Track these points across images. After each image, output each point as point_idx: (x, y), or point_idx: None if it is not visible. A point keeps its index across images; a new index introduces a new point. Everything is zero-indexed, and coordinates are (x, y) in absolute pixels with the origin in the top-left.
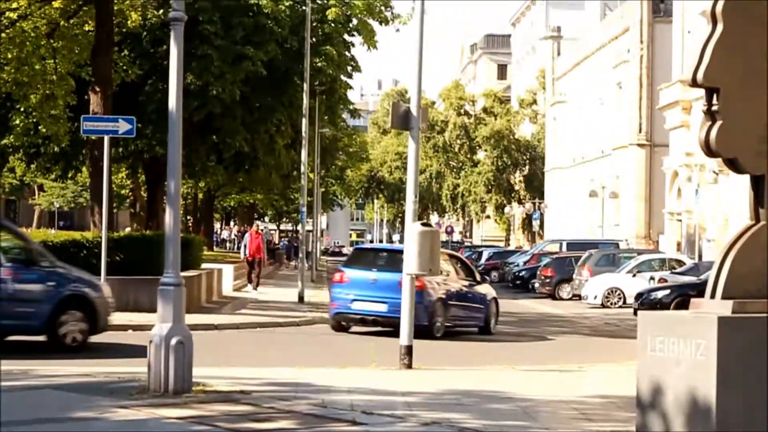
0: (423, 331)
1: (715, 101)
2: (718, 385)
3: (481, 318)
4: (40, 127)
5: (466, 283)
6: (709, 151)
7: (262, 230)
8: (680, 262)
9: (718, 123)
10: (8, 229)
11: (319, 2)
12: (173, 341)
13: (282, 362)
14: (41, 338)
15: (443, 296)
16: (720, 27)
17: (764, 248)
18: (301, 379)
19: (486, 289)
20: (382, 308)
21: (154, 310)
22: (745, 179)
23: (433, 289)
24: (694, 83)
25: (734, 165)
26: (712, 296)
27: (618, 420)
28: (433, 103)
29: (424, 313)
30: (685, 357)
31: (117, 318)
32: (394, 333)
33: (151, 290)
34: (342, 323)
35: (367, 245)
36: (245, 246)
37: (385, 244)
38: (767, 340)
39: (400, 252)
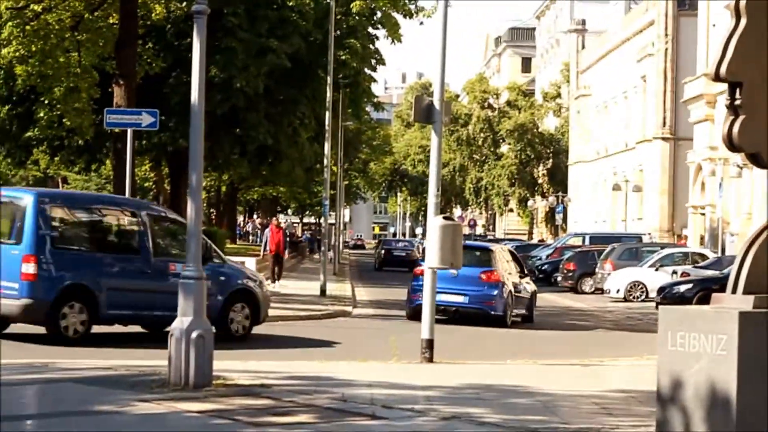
0: (498, 320)
1: (738, 95)
2: (739, 381)
3: (526, 307)
4: (64, 120)
5: (517, 277)
6: (732, 145)
7: (283, 224)
8: (703, 256)
9: (741, 117)
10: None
11: None
12: (194, 335)
13: (303, 356)
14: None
15: (512, 289)
16: (744, 21)
17: None
18: (321, 373)
19: (529, 282)
20: (461, 299)
21: None
22: None
23: (506, 282)
24: (716, 77)
25: (756, 160)
26: (734, 291)
27: (639, 415)
28: (457, 96)
29: (502, 304)
30: (706, 352)
31: None
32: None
33: None
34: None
35: None
36: (266, 242)
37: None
38: None
39: (479, 248)
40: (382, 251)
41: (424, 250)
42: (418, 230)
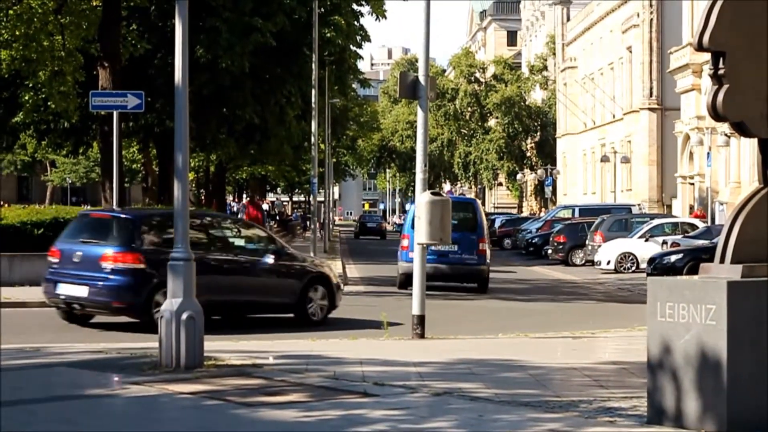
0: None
1: (721, 65)
2: (729, 349)
3: None
4: (49, 104)
5: None
6: (716, 115)
7: (266, 202)
8: (693, 226)
9: (725, 87)
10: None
11: None
12: (184, 316)
13: (294, 335)
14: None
15: None
16: None
17: None
18: (313, 352)
19: None
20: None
21: None
22: (756, 142)
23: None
24: (700, 47)
25: (741, 129)
26: (722, 261)
27: (631, 386)
28: (444, 71)
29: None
30: (696, 322)
31: None
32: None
33: None
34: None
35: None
36: None
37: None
38: None
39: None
40: (359, 224)
41: (396, 223)
42: (408, 206)
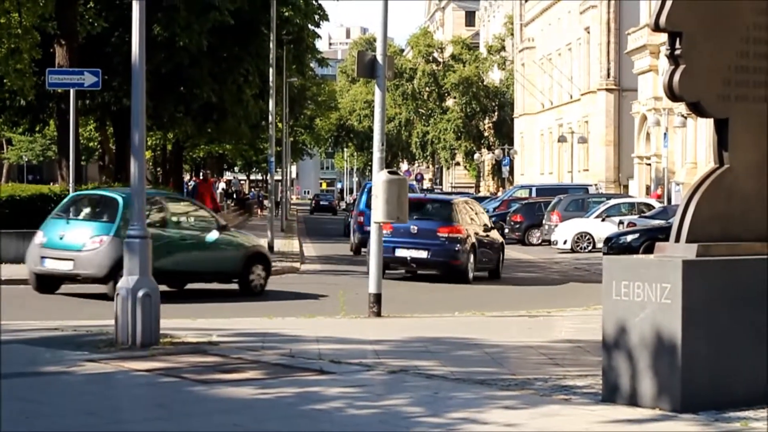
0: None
1: (678, 45)
2: (684, 328)
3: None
4: (5, 81)
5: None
6: (673, 95)
7: (216, 178)
8: (649, 206)
9: (681, 67)
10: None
11: None
12: (140, 294)
13: (250, 312)
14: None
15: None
16: None
17: (728, 191)
18: (269, 329)
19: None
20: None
21: None
22: (712, 122)
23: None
24: (656, 27)
25: (698, 109)
26: (677, 240)
27: (587, 365)
28: (402, 50)
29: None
30: (651, 301)
31: None
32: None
33: None
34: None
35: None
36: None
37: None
38: (731, 282)
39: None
40: (314, 202)
41: (348, 201)
42: (368, 185)
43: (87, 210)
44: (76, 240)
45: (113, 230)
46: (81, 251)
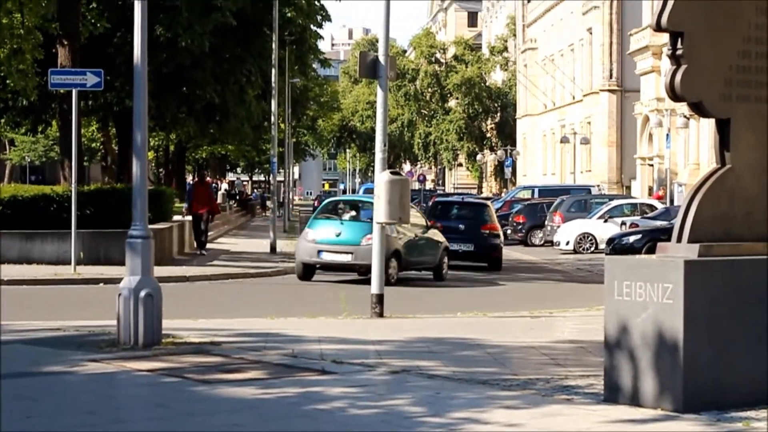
0: None
1: (679, 45)
2: (686, 328)
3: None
4: (8, 82)
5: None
6: (674, 95)
7: (218, 179)
8: (651, 207)
9: (683, 67)
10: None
11: None
12: (142, 294)
13: (254, 313)
14: None
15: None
16: None
17: (730, 192)
18: (271, 330)
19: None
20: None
21: (124, 263)
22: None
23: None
24: (658, 27)
25: (699, 109)
26: (679, 240)
27: (588, 365)
28: (404, 51)
29: None
30: (653, 301)
31: (87, 271)
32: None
33: (121, 243)
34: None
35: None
36: (189, 201)
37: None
38: (733, 282)
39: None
40: (316, 202)
41: None
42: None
43: (351, 213)
44: (353, 237)
45: None
46: (360, 246)
